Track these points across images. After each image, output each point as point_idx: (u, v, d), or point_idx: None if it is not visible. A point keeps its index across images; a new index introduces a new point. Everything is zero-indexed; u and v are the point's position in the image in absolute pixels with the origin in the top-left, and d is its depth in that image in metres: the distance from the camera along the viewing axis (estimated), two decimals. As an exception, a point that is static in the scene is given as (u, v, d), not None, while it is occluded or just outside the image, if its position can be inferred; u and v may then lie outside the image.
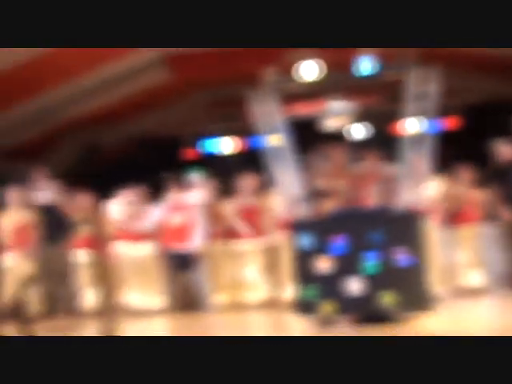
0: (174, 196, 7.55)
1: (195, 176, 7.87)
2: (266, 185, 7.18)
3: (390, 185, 6.05)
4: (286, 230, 6.30)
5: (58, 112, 10.08)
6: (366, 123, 11.22)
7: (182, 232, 7.34)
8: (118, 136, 11.86)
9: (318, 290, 5.16)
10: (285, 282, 7.03)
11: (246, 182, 7.56)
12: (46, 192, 7.90)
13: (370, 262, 5.09)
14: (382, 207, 5.72)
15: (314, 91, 9.19)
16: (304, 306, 5.26)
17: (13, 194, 7.77)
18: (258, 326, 6.08)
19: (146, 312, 7.33)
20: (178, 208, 7.44)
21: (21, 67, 7.58)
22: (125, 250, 7.64)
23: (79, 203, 7.81)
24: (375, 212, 5.53)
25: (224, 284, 7.43)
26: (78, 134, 11.30)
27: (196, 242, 7.30)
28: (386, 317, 5.04)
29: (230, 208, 7.52)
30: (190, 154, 12.10)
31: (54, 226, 7.31)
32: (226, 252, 7.47)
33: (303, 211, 5.79)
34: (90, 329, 5.84)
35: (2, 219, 7.73)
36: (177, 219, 7.39)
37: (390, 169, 6.53)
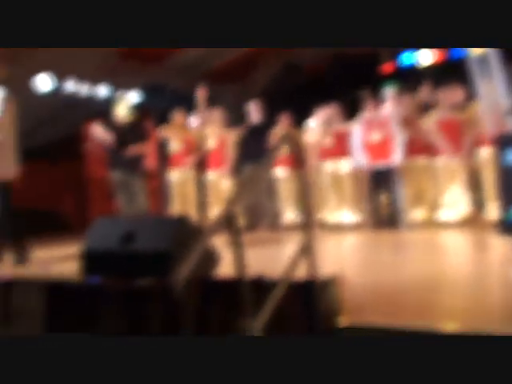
0: (370, 112, 7.44)
1: (391, 90, 7.62)
2: (469, 97, 6.75)
3: None
4: (490, 145, 5.92)
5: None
6: None
7: (381, 148, 7.25)
8: (317, 53, 11.82)
9: (525, 209, 4.84)
10: (488, 200, 6.68)
11: (448, 94, 7.16)
12: (247, 112, 8.25)
13: None
14: None
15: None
16: (509, 227, 4.98)
17: (214, 114, 8.21)
18: (456, 245, 5.88)
19: (344, 227, 7.48)
20: (376, 124, 7.33)
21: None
22: (324, 167, 7.78)
23: (280, 122, 8.05)
24: None
25: (423, 201, 7.26)
26: (279, 53, 11.47)
27: (396, 158, 7.18)
28: None
29: (430, 123, 7.22)
30: (387, 67, 11.69)
31: (256, 145, 7.63)
32: (425, 168, 7.25)
33: (510, 125, 5.41)
34: (290, 242, 6.13)
35: (209, 139, 8.23)
36: (375, 136, 7.30)
37: None
